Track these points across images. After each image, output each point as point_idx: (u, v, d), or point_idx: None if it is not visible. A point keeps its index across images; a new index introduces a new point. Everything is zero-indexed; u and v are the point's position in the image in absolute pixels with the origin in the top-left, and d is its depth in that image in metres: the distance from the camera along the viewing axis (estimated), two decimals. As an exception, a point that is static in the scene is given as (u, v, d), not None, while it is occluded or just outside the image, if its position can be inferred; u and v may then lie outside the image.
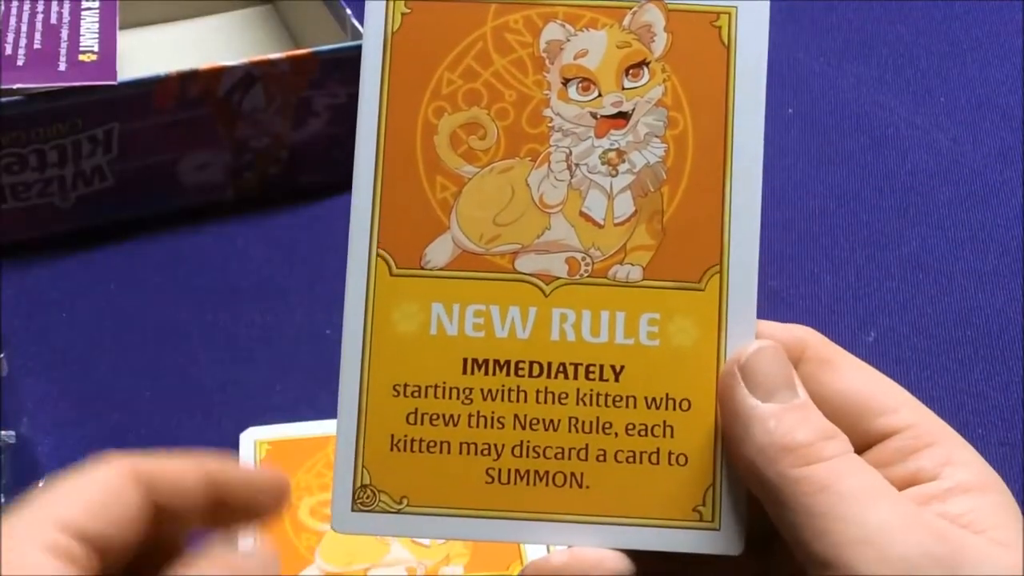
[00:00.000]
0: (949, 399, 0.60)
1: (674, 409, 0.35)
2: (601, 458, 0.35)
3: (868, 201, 0.70)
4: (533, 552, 0.52)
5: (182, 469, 0.35)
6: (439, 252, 0.35)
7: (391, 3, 0.35)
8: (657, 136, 0.35)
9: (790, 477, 0.32)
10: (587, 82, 0.35)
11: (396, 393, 0.35)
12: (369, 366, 0.35)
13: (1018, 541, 0.32)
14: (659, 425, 0.35)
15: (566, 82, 0.35)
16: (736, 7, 0.35)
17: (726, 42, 0.35)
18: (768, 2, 0.36)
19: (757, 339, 0.35)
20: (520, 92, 0.35)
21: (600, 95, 0.35)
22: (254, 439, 0.56)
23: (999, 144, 0.73)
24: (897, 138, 0.74)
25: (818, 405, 0.34)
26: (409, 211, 0.35)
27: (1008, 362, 0.61)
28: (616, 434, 0.35)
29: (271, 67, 0.65)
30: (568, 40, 0.35)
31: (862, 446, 0.35)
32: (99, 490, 0.34)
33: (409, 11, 0.35)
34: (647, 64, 0.35)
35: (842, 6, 0.82)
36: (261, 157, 0.69)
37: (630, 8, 0.35)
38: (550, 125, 0.35)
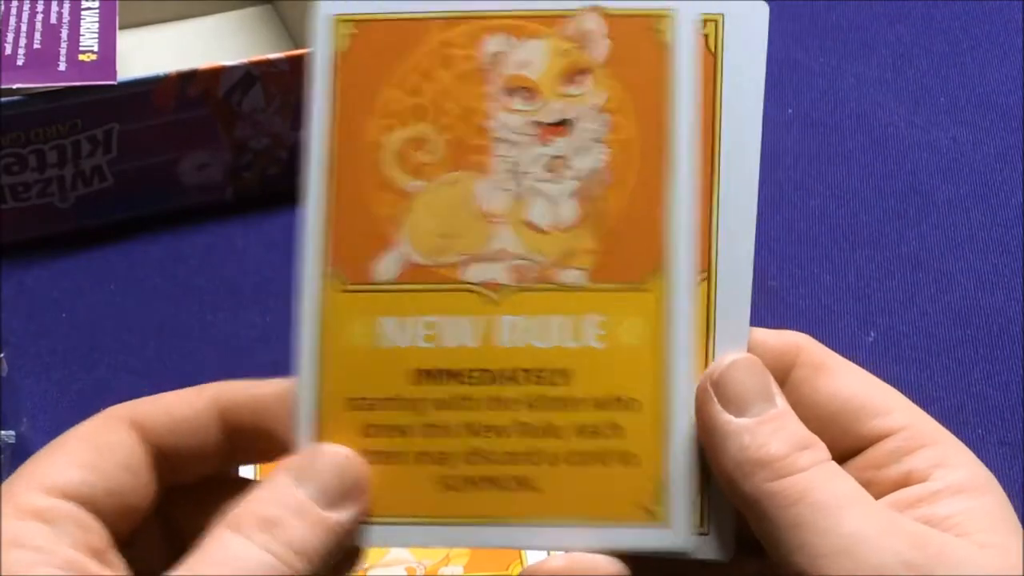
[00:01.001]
0: (949, 399, 0.60)
1: (623, 410, 0.35)
2: (553, 461, 0.35)
3: (868, 201, 0.70)
4: (533, 553, 0.52)
5: (179, 404, 0.35)
6: (388, 266, 0.35)
7: (337, 25, 0.36)
8: (599, 141, 0.35)
9: (765, 491, 0.32)
10: (529, 92, 0.35)
11: (350, 407, 0.35)
12: (323, 381, 0.35)
13: (1005, 543, 0.32)
14: (609, 426, 0.35)
15: (509, 92, 0.35)
16: (677, 9, 0.35)
17: (666, 44, 0.35)
18: (764, 4, 0.36)
19: (739, 351, 0.35)
20: (465, 105, 0.35)
21: (543, 104, 0.35)
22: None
23: (999, 144, 0.73)
24: (897, 138, 0.74)
25: (812, 410, 0.34)
26: (358, 227, 0.35)
27: (1008, 362, 0.61)
28: (567, 437, 0.35)
29: (271, 67, 0.65)
30: (510, 51, 0.35)
31: (855, 449, 0.35)
32: (89, 445, 0.34)
33: (356, 32, 0.36)
34: (589, 71, 0.35)
35: (842, 6, 0.82)
36: (261, 157, 0.69)
37: (570, 16, 0.35)
38: (495, 136, 0.35)
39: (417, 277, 0.35)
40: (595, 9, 0.35)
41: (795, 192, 0.70)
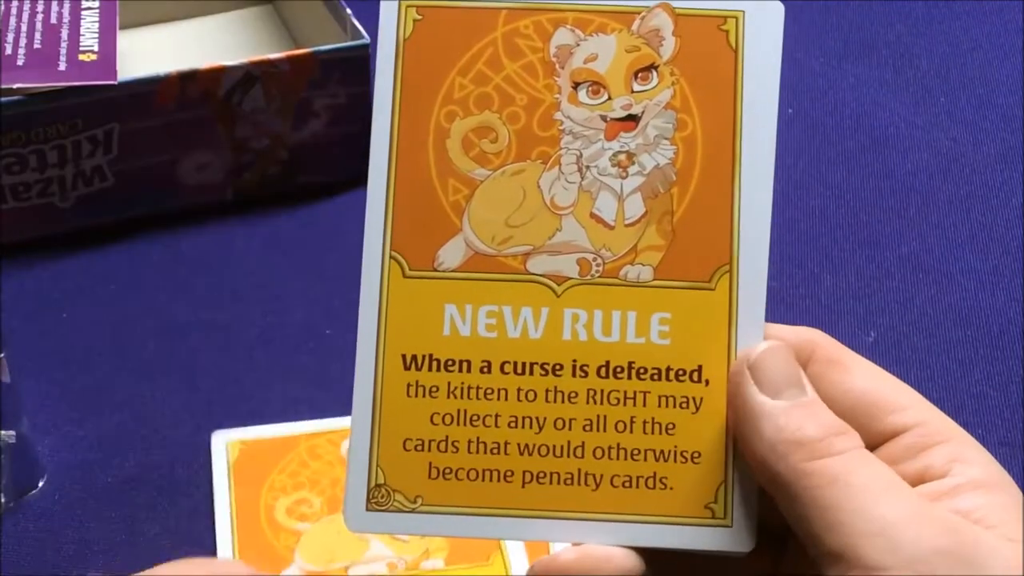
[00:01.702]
0: (949, 399, 0.60)
1: (686, 407, 0.35)
2: (613, 456, 0.35)
3: (868, 201, 0.70)
4: (513, 546, 0.52)
5: None
6: (452, 254, 0.35)
7: (403, 10, 0.36)
8: (666, 138, 0.36)
9: (801, 471, 0.32)
10: (597, 86, 0.36)
11: (410, 394, 0.35)
12: (383, 367, 0.35)
13: None
14: (671, 423, 0.35)
15: (576, 86, 0.36)
16: (744, 11, 0.36)
17: (734, 45, 0.36)
18: (779, 4, 0.36)
19: (761, 341, 0.35)
20: (531, 96, 0.36)
21: (610, 98, 0.36)
22: (225, 441, 0.56)
23: (999, 144, 0.73)
24: (897, 138, 0.74)
25: (828, 405, 0.35)
26: (422, 214, 0.35)
27: (1008, 362, 0.61)
28: (629, 433, 0.35)
29: (271, 67, 0.65)
30: (578, 45, 0.36)
31: (872, 444, 0.35)
32: None
33: (421, 18, 0.36)
34: (656, 68, 0.36)
35: (842, 6, 0.82)
36: (261, 157, 0.69)
37: (638, 13, 0.36)
38: (561, 128, 0.36)
39: (481, 266, 0.35)
40: (664, 6, 0.36)
41: (795, 192, 0.70)
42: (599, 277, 0.35)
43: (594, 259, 0.35)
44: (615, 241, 0.35)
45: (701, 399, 0.35)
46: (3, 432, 0.55)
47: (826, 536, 0.32)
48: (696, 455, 0.35)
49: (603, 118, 0.36)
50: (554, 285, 0.35)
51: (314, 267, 0.66)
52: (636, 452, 0.35)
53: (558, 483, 0.35)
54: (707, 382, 0.35)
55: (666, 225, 0.35)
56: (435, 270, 0.35)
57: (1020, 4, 0.82)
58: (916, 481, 0.34)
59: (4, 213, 0.65)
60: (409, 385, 0.35)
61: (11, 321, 0.62)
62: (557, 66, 0.36)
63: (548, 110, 0.36)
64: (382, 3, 0.36)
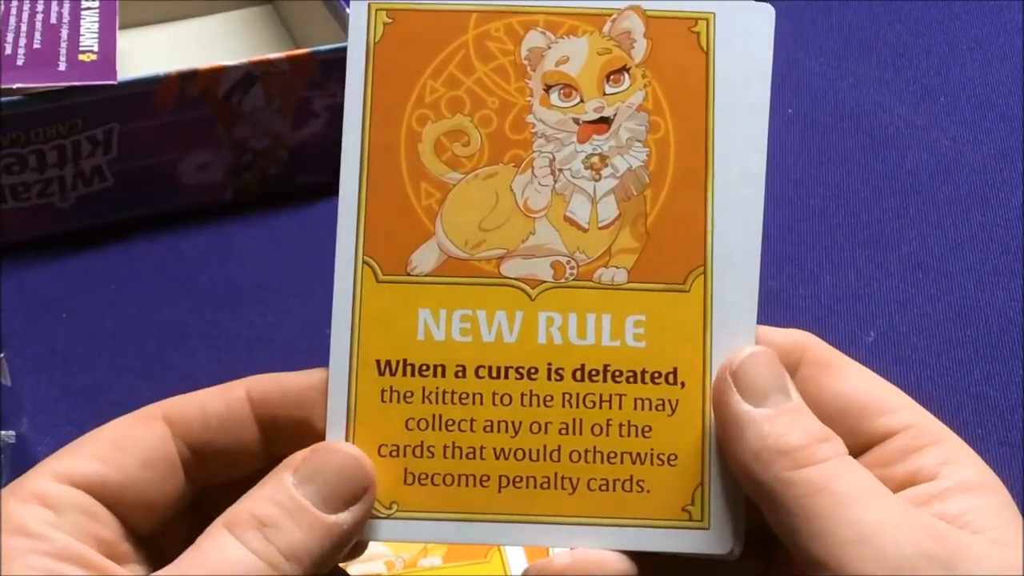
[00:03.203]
0: (949, 399, 0.60)
1: (661, 410, 0.35)
2: (589, 460, 0.35)
3: (868, 201, 0.70)
4: (514, 549, 0.52)
5: (213, 401, 0.35)
6: (425, 258, 0.35)
7: (373, 13, 0.36)
8: (639, 140, 0.36)
9: (785, 480, 0.32)
10: (569, 88, 0.36)
11: (384, 400, 0.35)
12: (357, 372, 0.35)
13: (1016, 540, 0.32)
14: (648, 426, 0.35)
15: (548, 88, 0.36)
16: (714, 12, 0.36)
17: (704, 47, 0.36)
18: (769, 8, 0.36)
19: (750, 345, 0.35)
20: (503, 99, 0.36)
21: (582, 101, 0.36)
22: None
23: (999, 144, 0.73)
24: (897, 138, 0.74)
25: (818, 407, 0.34)
26: (394, 218, 0.35)
27: (1008, 362, 0.61)
28: (605, 436, 0.35)
29: (271, 67, 0.65)
30: (549, 47, 0.36)
31: (862, 447, 0.35)
32: (111, 440, 0.34)
33: (391, 21, 0.36)
34: (627, 70, 0.36)
35: (842, 6, 0.82)
36: (261, 157, 0.69)
37: (610, 15, 0.36)
38: (533, 131, 0.35)
39: (455, 270, 0.35)
40: (635, 9, 0.36)
41: (795, 192, 0.70)
42: (573, 280, 0.35)
43: (568, 262, 0.35)
44: (589, 244, 0.35)
45: (677, 401, 0.35)
46: (3, 432, 0.55)
47: (810, 545, 0.32)
48: (673, 457, 0.35)
49: (575, 120, 0.36)
50: (528, 288, 0.35)
51: (314, 267, 0.66)
52: (612, 455, 0.35)
53: (535, 487, 0.35)
54: (683, 384, 0.35)
55: (640, 227, 0.35)
56: (408, 275, 0.35)
57: (1020, 4, 0.82)
58: (906, 483, 0.34)
59: (4, 213, 0.65)
60: (383, 391, 0.35)
61: (11, 321, 0.62)
62: (529, 69, 0.36)
63: (520, 113, 0.35)
64: (352, 5, 0.36)
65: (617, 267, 0.35)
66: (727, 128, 0.35)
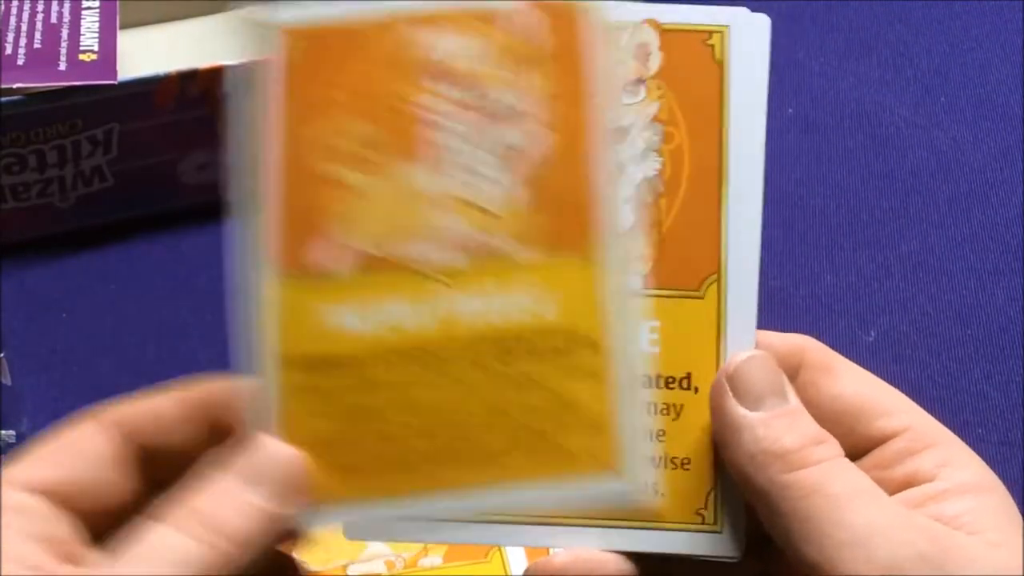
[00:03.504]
0: (949, 399, 0.60)
1: (676, 414, 0.35)
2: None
3: (868, 201, 0.70)
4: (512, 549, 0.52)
5: (165, 403, 0.35)
6: (341, 259, 0.35)
7: (275, 27, 0.36)
8: (654, 150, 0.36)
9: (779, 483, 0.32)
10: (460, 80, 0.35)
11: (308, 395, 0.35)
12: (273, 370, 0.35)
13: (1014, 541, 0.32)
14: (662, 430, 0.35)
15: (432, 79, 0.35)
16: (728, 25, 0.36)
17: (719, 59, 0.36)
18: (766, 18, 0.36)
19: (747, 349, 0.35)
20: (393, 93, 0.35)
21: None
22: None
23: (999, 144, 0.73)
24: (897, 138, 0.74)
25: (816, 411, 0.35)
26: (304, 224, 0.35)
27: (1008, 362, 0.61)
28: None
29: (271, 67, 0.65)
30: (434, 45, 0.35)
31: (861, 450, 0.35)
32: (62, 443, 0.34)
33: (290, 39, 0.36)
34: (642, 81, 0.36)
35: (842, 6, 0.82)
36: (261, 157, 0.69)
37: (625, 28, 0.36)
38: (430, 122, 0.35)
39: (372, 266, 0.35)
40: (649, 22, 0.36)
41: (795, 192, 0.70)
42: (488, 263, 0.35)
43: (481, 246, 0.35)
44: (498, 227, 0.35)
45: (691, 406, 0.35)
46: (3, 432, 0.55)
47: (804, 547, 0.32)
48: (686, 461, 0.35)
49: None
50: (444, 277, 0.35)
51: (314, 267, 0.66)
52: None
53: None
54: (696, 389, 0.35)
55: (655, 235, 0.36)
56: (320, 275, 0.35)
57: (1020, 4, 0.81)
58: (904, 485, 0.34)
59: (4, 213, 0.65)
60: (307, 388, 0.35)
61: (11, 321, 0.62)
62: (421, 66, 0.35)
63: (413, 107, 0.35)
64: (243, 25, 0.36)
65: (528, 245, 0.35)
66: (738, 139, 0.36)
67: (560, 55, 0.35)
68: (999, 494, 0.34)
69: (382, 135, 0.35)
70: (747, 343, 0.35)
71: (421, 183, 0.35)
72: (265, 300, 0.35)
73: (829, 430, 0.34)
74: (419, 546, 0.52)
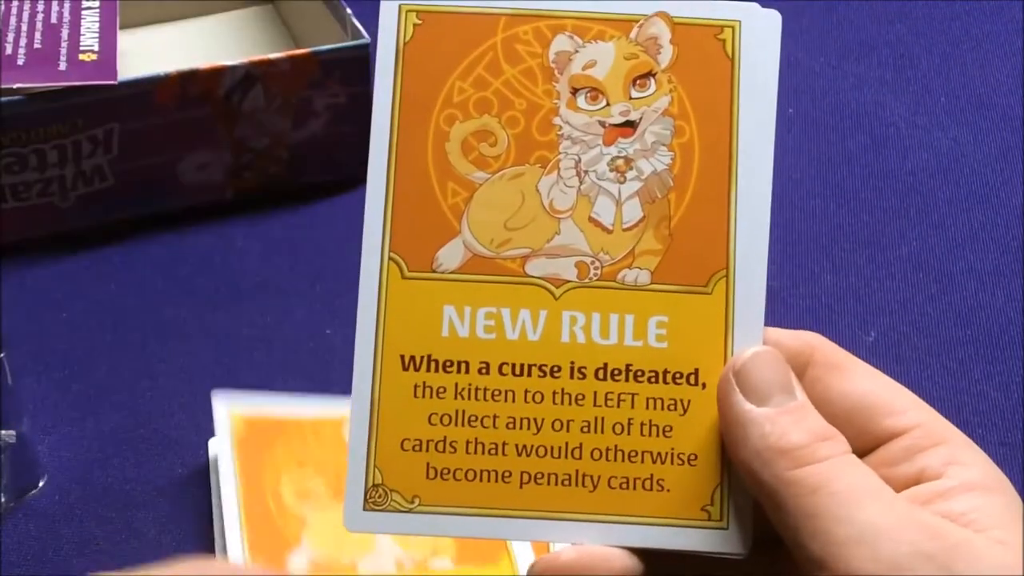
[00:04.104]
0: (949, 399, 0.60)
1: (683, 410, 0.35)
2: (611, 458, 0.35)
3: (868, 201, 0.70)
4: (520, 546, 0.52)
5: None
6: (451, 256, 0.36)
7: (403, 14, 0.36)
8: (664, 144, 0.36)
9: (785, 479, 0.32)
10: (595, 92, 0.36)
11: (408, 395, 0.35)
12: (382, 367, 0.35)
13: (1017, 540, 0.32)
14: (668, 426, 0.35)
15: (575, 91, 0.36)
16: (740, 20, 0.36)
17: (730, 54, 0.36)
18: (777, 15, 0.36)
19: (754, 345, 0.35)
20: (530, 101, 0.36)
21: (608, 104, 0.36)
22: (228, 411, 0.55)
23: (999, 144, 0.73)
24: (897, 138, 0.74)
25: (826, 408, 0.35)
26: (421, 215, 0.36)
27: (1008, 362, 0.61)
28: (626, 435, 0.35)
29: (271, 67, 0.65)
30: (576, 51, 0.36)
31: (869, 447, 0.35)
32: None
33: (421, 22, 0.36)
34: (653, 75, 0.36)
35: (842, 6, 0.82)
36: (261, 157, 0.69)
37: (637, 21, 0.36)
38: (559, 133, 0.36)
39: (480, 268, 0.35)
40: (661, 15, 0.36)
41: (795, 192, 0.70)
42: (597, 280, 0.36)
43: (592, 262, 0.36)
44: (613, 245, 0.36)
45: (698, 402, 0.35)
46: (3, 432, 0.55)
47: (810, 543, 0.32)
48: (693, 457, 0.35)
49: (601, 123, 0.36)
50: (552, 288, 0.36)
51: (314, 267, 0.66)
52: (633, 454, 0.35)
53: (555, 484, 0.35)
54: (703, 385, 0.35)
55: (663, 230, 0.36)
56: (434, 271, 0.35)
57: (1020, 4, 0.82)
58: (912, 482, 0.34)
59: (4, 213, 0.65)
60: (407, 386, 0.35)
61: (11, 321, 0.62)
62: (556, 72, 0.36)
63: (547, 115, 0.36)
64: (382, 5, 0.36)
65: (640, 268, 0.36)
66: (748, 134, 0.36)
67: (687, 72, 0.36)
68: (1006, 493, 0.34)
69: (502, 132, 0.36)
70: (753, 340, 0.35)
71: (537, 187, 0.36)
72: (373, 290, 0.35)
73: (838, 427, 0.34)
74: (429, 547, 0.52)
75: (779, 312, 0.64)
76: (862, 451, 0.35)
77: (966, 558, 0.31)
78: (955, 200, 0.70)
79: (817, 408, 0.35)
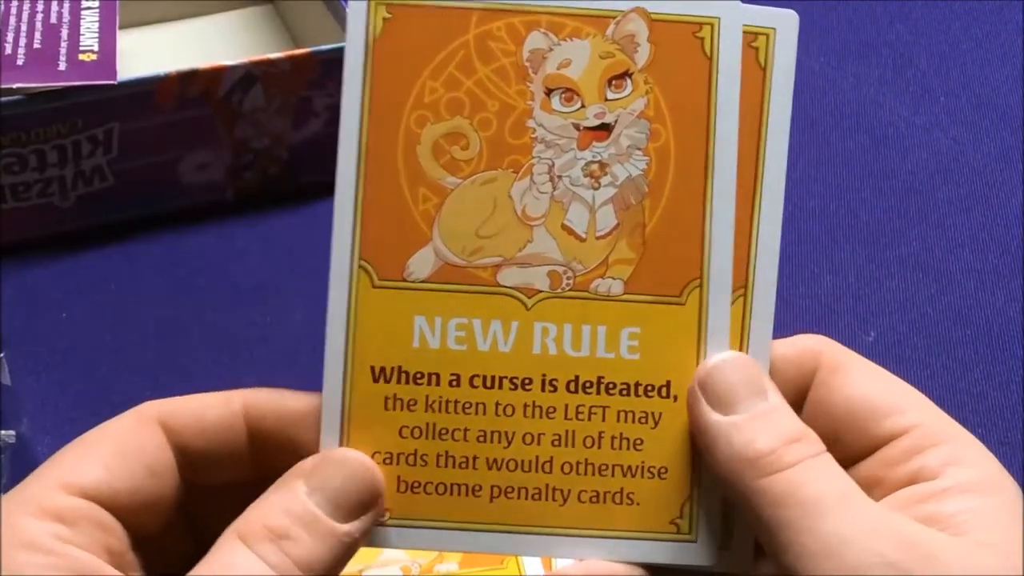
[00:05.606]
0: (949, 399, 0.60)
1: (654, 423, 0.35)
2: (581, 472, 0.34)
3: (868, 201, 0.70)
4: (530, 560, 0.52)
5: (210, 408, 0.34)
6: (422, 264, 0.35)
7: (372, 9, 0.34)
8: (639, 149, 0.35)
9: (752, 489, 0.32)
10: (570, 92, 0.35)
11: (379, 407, 0.34)
12: (352, 378, 0.35)
13: (1006, 542, 0.32)
14: (639, 439, 0.35)
15: (549, 92, 0.35)
16: (719, 17, 0.35)
17: (708, 53, 0.35)
18: (794, 15, 0.35)
19: (721, 352, 0.34)
20: (503, 102, 0.35)
21: (583, 106, 0.35)
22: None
23: (999, 144, 0.73)
24: (897, 138, 0.74)
25: (829, 411, 0.34)
26: (391, 222, 0.34)
27: (1008, 362, 0.61)
28: (597, 448, 0.35)
29: (271, 67, 0.65)
30: (551, 49, 0.35)
31: (871, 449, 0.35)
32: (116, 444, 0.33)
33: (391, 16, 0.34)
34: (630, 75, 0.35)
35: (842, 6, 0.82)
36: (261, 157, 0.69)
37: (614, 18, 0.35)
38: (533, 136, 0.35)
39: (452, 277, 0.35)
40: (639, 11, 0.35)
41: (795, 192, 0.70)
42: (570, 290, 0.35)
43: (565, 272, 0.35)
44: (586, 254, 0.35)
45: (669, 415, 0.35)
46: (3, 432, 0.55)
47: (781, 555, 0.31)
48: (663, 471, 0.34)
49: (576, 126, 0.35)
50: (524, 298, 0.35)
51: (314, 267, 0.66)
52: (604, 467, 0.34)
53: (526, 498, 0.34)
54: (675, 398, 0.35)
55: (637, 238, 0.35)
56: (404, 280, 0.34)
57: (1020, 4, 0.82)
58: (908, 483, 0.34)
59: (4, 213, 0.65)
60: (378, 398, 0.34)
61: (11, 321, 0.62)
62: (530, 71, 0.35)
63: (521, 117, 0.35)
64: (350, 2, 0.35)
65: (614, 278, 0.35)
66: (727, 138, 0.35)
67: (664, 72, 0.35)
68: (1007, 493, 0.33)
69: (475, 135, 0.35)
70: (761, 352, 0.35)
71: (515, 195, 0.35)
72: (342, 300, 0.35)
73: (840, 430, 0.34)
74: (435, 552, 0.52)
75: (779, 312, 0.63)
76: (864, 453, 0.35)
77: (935, 565, 0.31)
78: (955, 200, 0.70)
79: (820, 412, 0.34)
